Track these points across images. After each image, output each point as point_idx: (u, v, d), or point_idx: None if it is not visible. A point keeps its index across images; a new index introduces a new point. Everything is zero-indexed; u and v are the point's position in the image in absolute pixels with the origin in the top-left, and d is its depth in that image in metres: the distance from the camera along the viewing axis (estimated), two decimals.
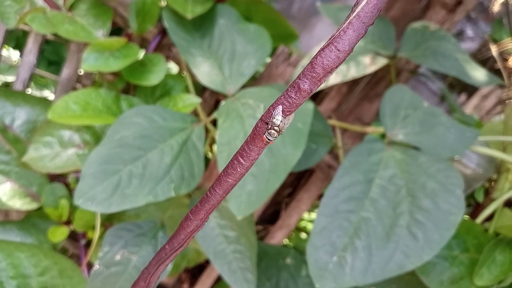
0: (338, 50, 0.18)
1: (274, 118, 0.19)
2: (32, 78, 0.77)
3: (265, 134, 0.20)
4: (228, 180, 0.22)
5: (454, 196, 0.50)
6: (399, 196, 0.52)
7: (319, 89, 0.62)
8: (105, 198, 0.51)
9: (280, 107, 0.19)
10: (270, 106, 0.20)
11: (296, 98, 0.19)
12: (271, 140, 0.20)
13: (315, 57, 0.19)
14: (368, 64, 0.59)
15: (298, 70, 0.66)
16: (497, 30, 1.56)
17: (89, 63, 0.57)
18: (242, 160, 0.21)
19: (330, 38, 0.18)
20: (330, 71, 0.18)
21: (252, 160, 0.21)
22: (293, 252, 0.70)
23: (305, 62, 0.66)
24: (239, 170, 0.21)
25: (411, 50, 0.68)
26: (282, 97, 0.19)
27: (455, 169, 0.51)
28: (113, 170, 0.53)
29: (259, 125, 0.20)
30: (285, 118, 0.19)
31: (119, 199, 0.52)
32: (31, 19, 0.60)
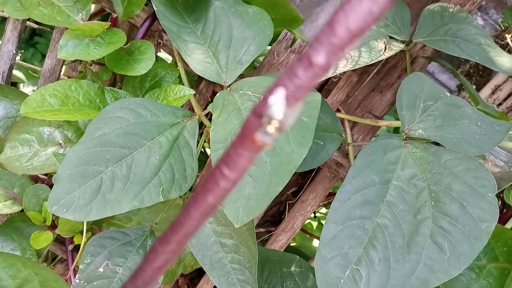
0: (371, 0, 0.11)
1: (272, 108, 0.13)
2: (12, 69, 0.70)
3: (259, 133, 0.13)
4: (208, 199, 0.15)
5: (485, 201, 0.43)
6: (420, 200, 0.45)
7: (327, 77, 0.55)
8: (84, 204, 0.45)
9: (282, 91, 0.12)
10: (266, 92, 0.13)
11: (306, 77, 0.12)
12: (267, 143, 0.13)
13: (336, 13, 0.12)
14: (382, 49, 0.52)
15: None
16: (508, 18, 1.50)
17: (67, 50, 0.51)
18: (226, 171, 0.14)
19: None
20: (359, 34, 0.12)
21: (241, 170, 0.14)
22: (299, 259, 0.63)
23: None
24: (222, 185, 0.15)
25: (429, 34, 0.61)
26: (284, 77, 0.12)
27: (486, 169, 0.44)
28: (93, 172, 0.46)
29: (251, 120, 0.13)
30: (288, 108, 0.13)
31: (99, 205, 0.45)
32: (3, 2, 0.54)
